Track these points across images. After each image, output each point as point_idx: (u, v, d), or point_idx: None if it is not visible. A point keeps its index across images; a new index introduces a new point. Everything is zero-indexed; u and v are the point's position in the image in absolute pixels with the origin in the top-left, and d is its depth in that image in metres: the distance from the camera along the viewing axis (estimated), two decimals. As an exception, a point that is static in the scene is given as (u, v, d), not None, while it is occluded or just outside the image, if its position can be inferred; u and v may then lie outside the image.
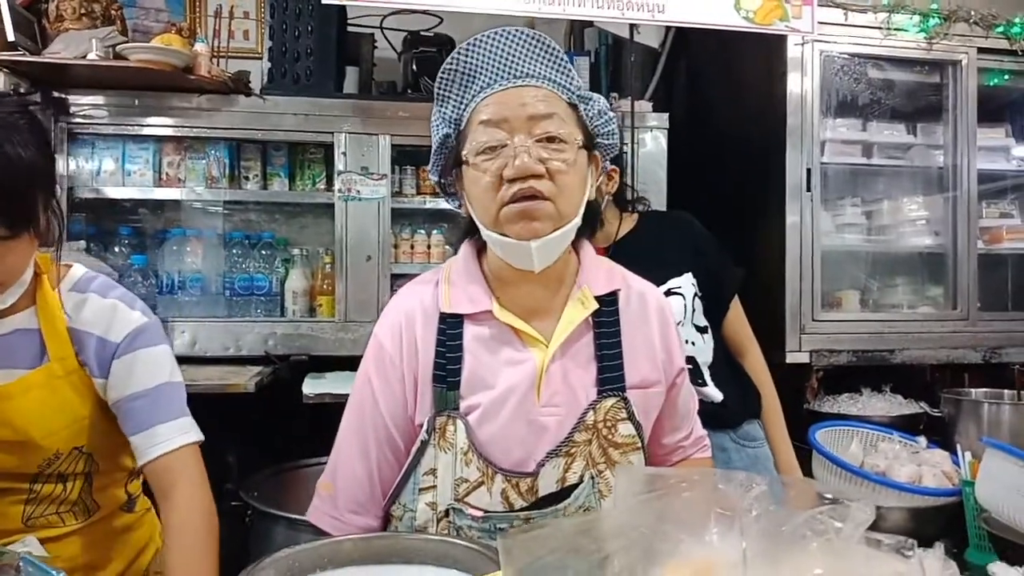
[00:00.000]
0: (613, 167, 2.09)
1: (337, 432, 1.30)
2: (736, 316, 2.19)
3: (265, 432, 2.58)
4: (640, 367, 1.30)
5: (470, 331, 1.25)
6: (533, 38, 1.24)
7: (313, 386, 2.47)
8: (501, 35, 1.23)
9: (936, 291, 2.90)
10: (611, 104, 3.04)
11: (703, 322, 2.11)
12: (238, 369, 2.55)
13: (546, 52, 1.24)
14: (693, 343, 2.08)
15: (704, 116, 3.39)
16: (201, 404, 1.69)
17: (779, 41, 2.76)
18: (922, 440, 2.21)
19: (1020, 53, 2.97)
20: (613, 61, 3.36)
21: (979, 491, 1.76)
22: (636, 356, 1.30)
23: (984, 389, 2.48)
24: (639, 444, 1.28)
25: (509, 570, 0.61)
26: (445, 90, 1.26)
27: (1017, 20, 2.95)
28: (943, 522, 1.86)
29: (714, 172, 3.18)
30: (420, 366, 1.24)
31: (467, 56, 1.23)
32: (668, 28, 3.11)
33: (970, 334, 2.77)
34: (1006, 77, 3.04)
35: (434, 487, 1.23)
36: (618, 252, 2.03)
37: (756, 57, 2.95)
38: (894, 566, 0.65)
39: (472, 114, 1.22)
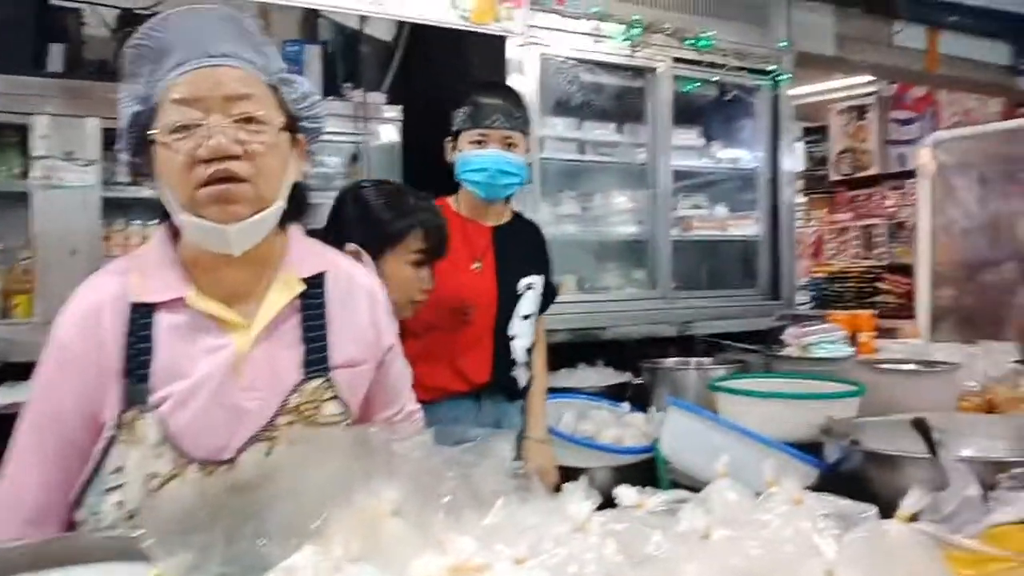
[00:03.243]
0: None
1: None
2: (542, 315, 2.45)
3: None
4: (347, 347, 1.33)
5: (164, 320, 1.20)
6: (229, 18, 1.22)
7: (7, 395, 2.22)
8: (194, 13, 1.20)
9: (640, 274, 3.24)
10: (344, 95, 3.07)
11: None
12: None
13: (243, 33, 1.23)
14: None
15: (441, 110, 3.49)
16: None
17: (501, 42, 2.93)
18: (626, 406, 2.47)
19: (707, 64, 3.41)
20: (349, 53, 3.37)
21: (662, 444, 2.00)
22: (343, 336, 1.32)
23: (676, 358, 2.82)
24: (345, 422, 1.31)
25: (150, 535, 0.61)
26: (134, 66, 1.21)
27: (705, 34, 3.38)
28: (642, 477, 2.09)
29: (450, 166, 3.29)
30: (107, 361, 1.17)
31: (157, 32, 1.19)
32: (401, 22, 3.18)
33: (667, 311, 3.14)
34: (697, 84, 3.47)
35: (122, 486, 1.16)
36: (501, 236, 2.30)
37: (484, 55, 3.09)
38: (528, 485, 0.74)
39: (163, 92, 1.18)
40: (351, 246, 1.63)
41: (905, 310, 5.71)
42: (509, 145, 2.23)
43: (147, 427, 1.16)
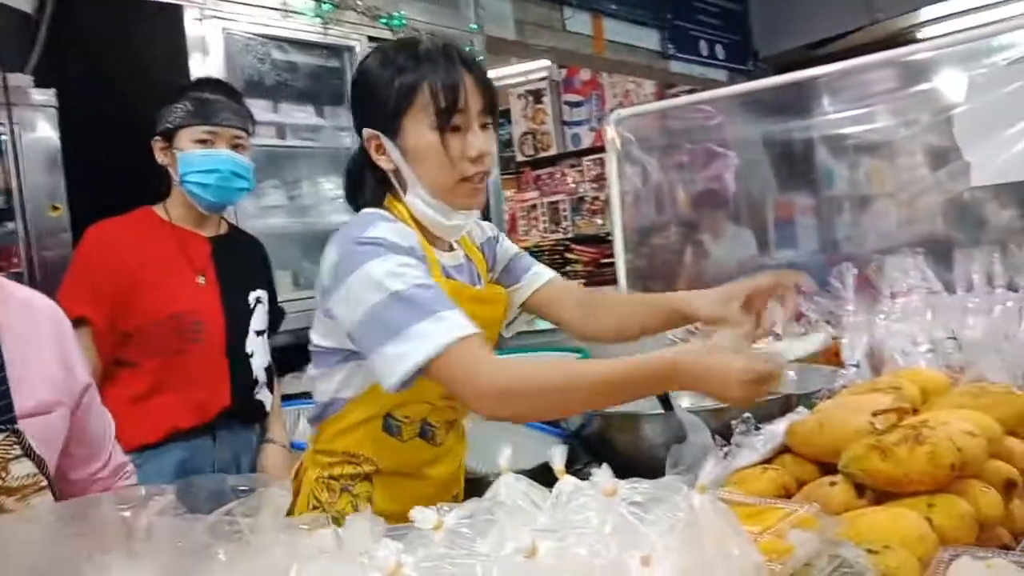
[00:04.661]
0: None
1: None
2: None
3: None
4: (35, 390, 1.07)
5: None
6: None
7: None
8: None
9: (360, 264, 3.10)
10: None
11: None
12: None
13: None
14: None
15: (106, 95, 3.02)
16: None
17: (177, 13, 2.60)
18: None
19: (403, 45, 3.33)
20: (-23, 25, 2.78)
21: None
22: (28, 377, 1.07)
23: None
24: (43, 483, 1.06)
25: None
26: None
27: (396, 14, 3.31)
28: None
29: (121, 155, 2.86)
30: None
31: None
32: (45, -10, 2.69)
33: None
34: (396, 66, 3.39)
35: None
36: (221, 248, 2.10)
37: (156, 30, 2.72)
38: (319, 540, 0.61)
39: None
40: (367, 132, 1.41)
41: (594, 276, 6.24)
42: (237, 146, 2.04)
43: None
